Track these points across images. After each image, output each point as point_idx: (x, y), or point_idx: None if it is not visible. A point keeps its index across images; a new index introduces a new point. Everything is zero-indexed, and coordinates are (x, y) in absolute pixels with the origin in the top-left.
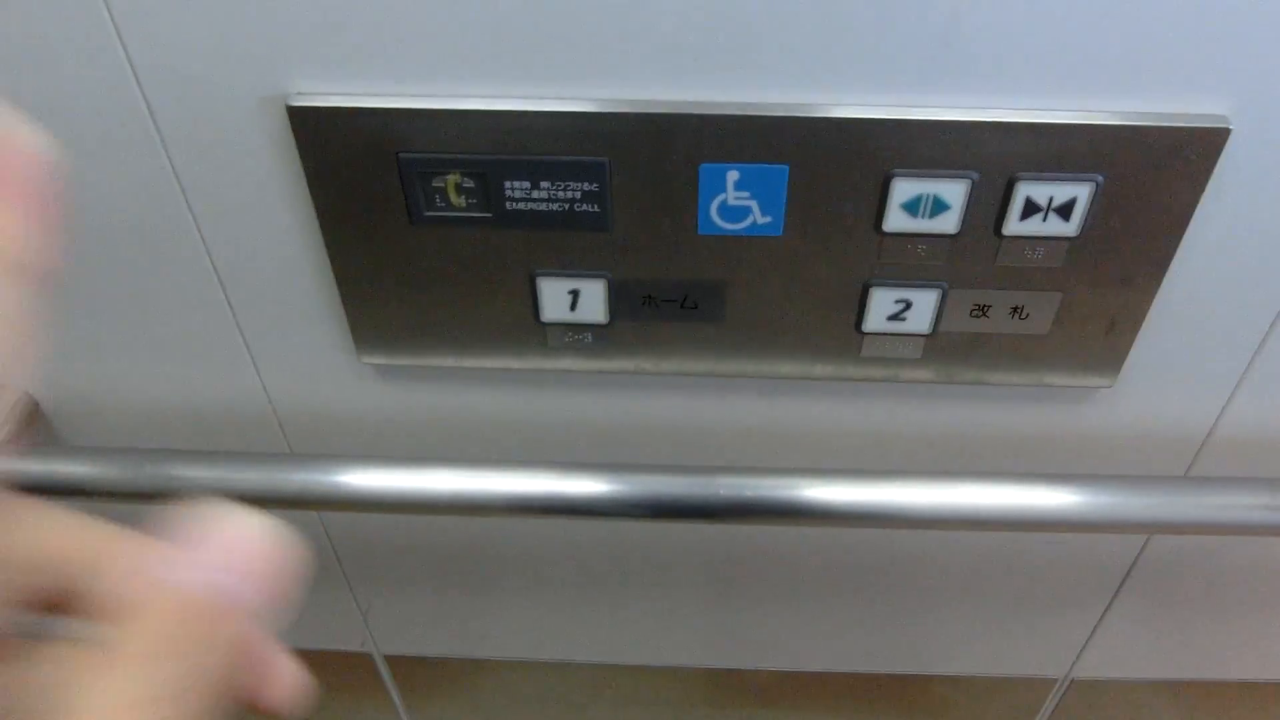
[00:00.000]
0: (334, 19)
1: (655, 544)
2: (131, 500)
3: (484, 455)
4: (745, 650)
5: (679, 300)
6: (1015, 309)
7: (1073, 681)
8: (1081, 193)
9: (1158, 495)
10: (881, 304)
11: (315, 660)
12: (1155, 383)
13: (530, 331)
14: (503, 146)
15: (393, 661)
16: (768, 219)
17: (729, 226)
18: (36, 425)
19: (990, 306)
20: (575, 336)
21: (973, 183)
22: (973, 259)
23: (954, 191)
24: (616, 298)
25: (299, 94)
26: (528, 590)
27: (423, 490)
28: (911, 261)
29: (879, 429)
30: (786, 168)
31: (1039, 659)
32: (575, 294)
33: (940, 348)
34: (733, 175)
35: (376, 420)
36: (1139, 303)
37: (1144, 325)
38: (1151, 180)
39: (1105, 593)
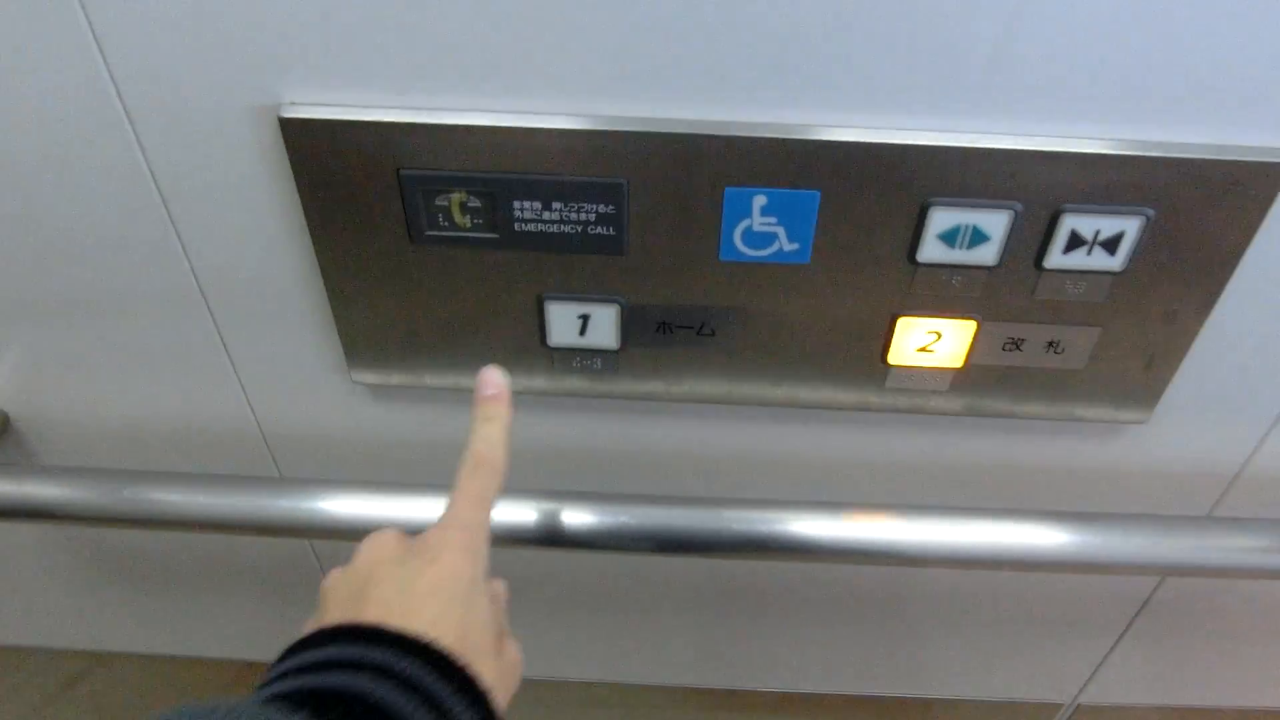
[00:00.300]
0: (331, 24)
1: (649, 562)
2: (106, 525)
3: None
4: (742, 670)
5: (695, 327)
6: (1051, 343)
7: (1079, 707)
8: (1130, 226)
9: (1174, 538)
10: (911, 336)
11: None
12: (1191, 419)
13: (536, 355)
14: (512, 164)
15: None
16: (794, 246)
17: (753, 253)
18: (4, 442)
19: (1025, 340)
20: (584, 361)
21: (1015, 213)
22: (1010, 292)
23: (995, 222)
24: (629, 323)
25: (292, 104)
26: (517, 607)
27: (414, 521)
28: (945, 293)
29: (902, 460)
30: (818, 194)
31: (1046, 684)
32: (585, 319)
33: (970, 380)
34: (759, 200)
35: (369, 442)
36: (1181, 339)
37: (1184, 362)
38: (1205, 215)
39: (1120, 621)
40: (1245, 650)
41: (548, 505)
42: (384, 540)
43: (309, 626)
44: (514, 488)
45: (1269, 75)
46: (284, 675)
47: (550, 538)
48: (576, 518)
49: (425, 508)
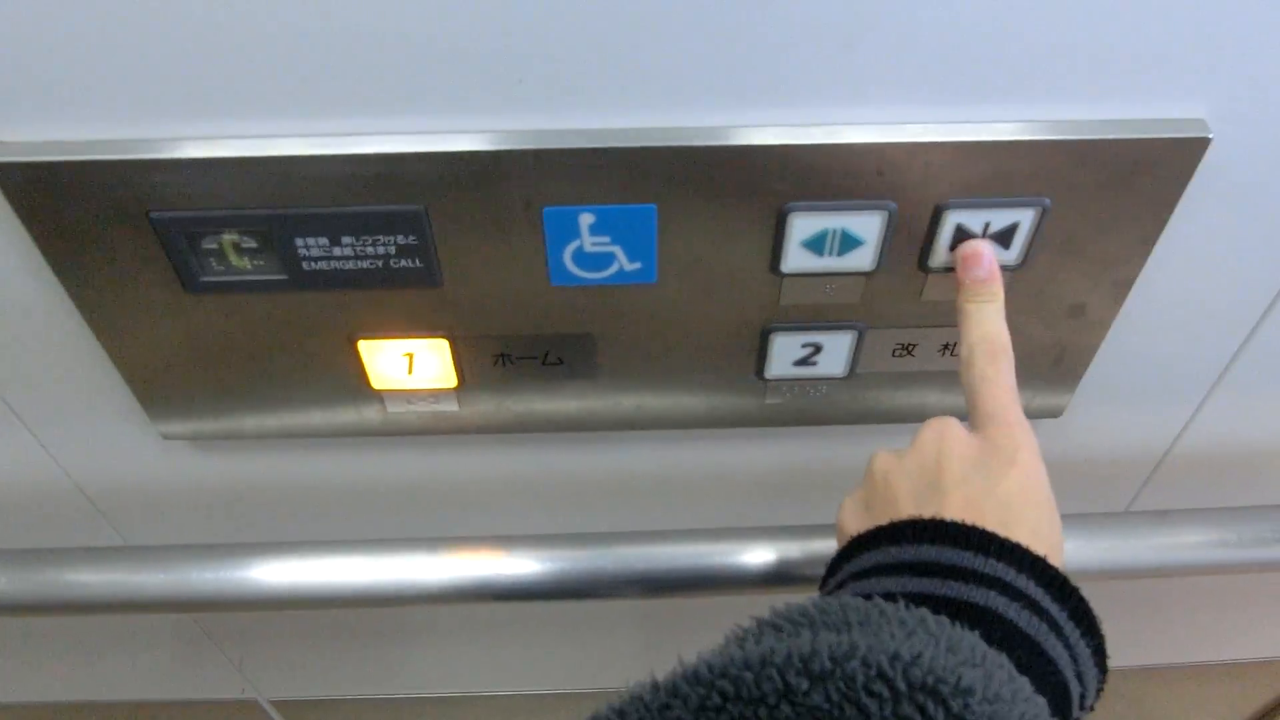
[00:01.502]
0: (42, 44)
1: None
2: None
3: (331, 527)
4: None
5: (539, 357)
6: (946, 345)
7: None
8: (1024, 218)
9: (1103, 539)
10: (785, 350)
11: (201, 711)
12: (1108, 412)
13: (363, 398)
14: (288, 198)
15: (283, 706)
16: (636, 265)
17: (590, 276)
18: None
19: (916, 345)
20: (420, 400)
21: (889, 213)
22: (894, 296)
23: (867, 225)
24: (464, 359)
25: (3, 145)
26: (428, 626)
27: (299, 584)
28: (820, 302)
29: (794, 473)
30: (654, 208)
31: None
32: (411, 357)
33: (860, 388)
34: (586, 219)
35: (203, 494)
36: (1093, 332)
37: (1098, 354)
38: (1112, 200)
39: None
40: (1173, 612)
41: (475, 556)
42: (952, 431)
43: (855, 513)
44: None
45: (1181, 43)
46: (879, 570)
47: (484, 591)
48: (514, 566)
49: (266, 571)
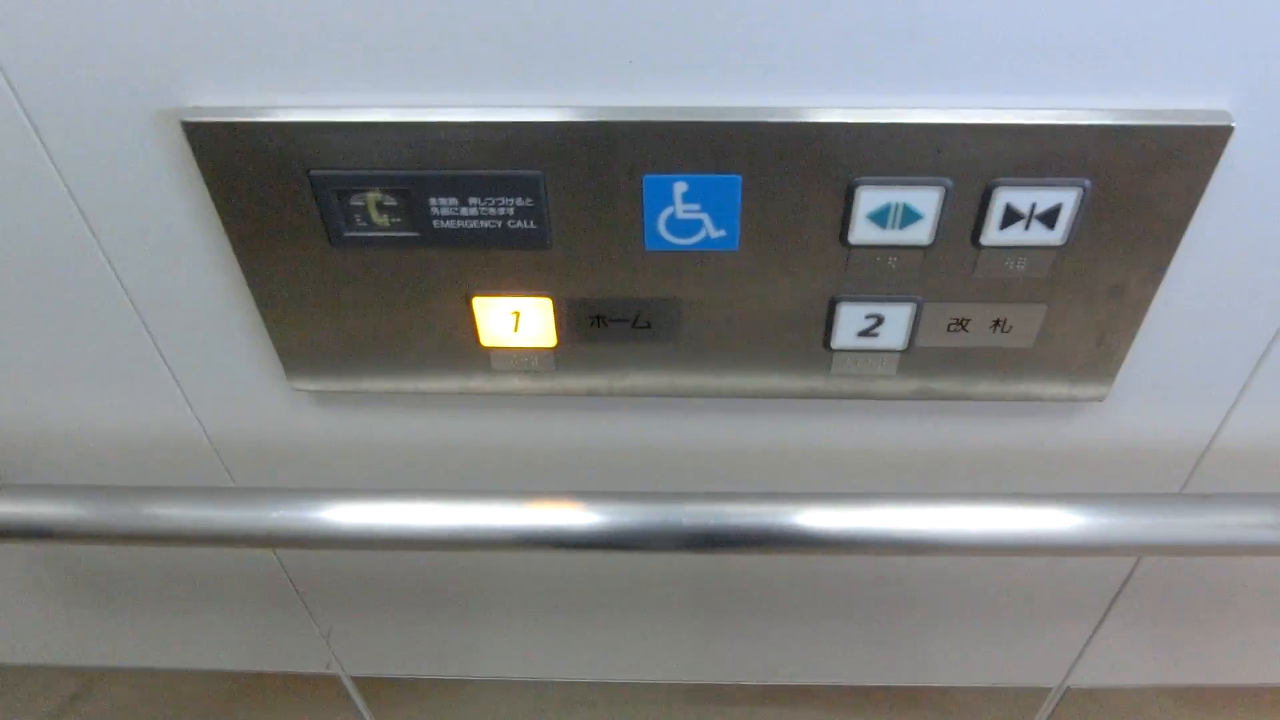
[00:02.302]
0: (229, 23)
1: (632, 560)
2: (103, 542)
3: (434, 482)
4: (727, 664)
5: (630, 320)
6: (997, 322)
7: (1068, 690)
8: (1067, 199)
9: (1153, 515)
10: (850, 320)
11: (282, 683)
12: (1151, 395)
13: (472, 355)
14: (426, 161)
15: (362, 683)
16: (721, 232)
17: (680, 241)
18: None
19: (970, 320)
20: (521, 360)
21: (946, 190)
22: (949, 271)
23: (925, 200)
24: (564, 319)
25: (195, 108)
26: (500, 609)
27: (376, 525)
28: (882, 275)
29: (854, 447)
30: (739, 178)
31: (1034, 668)
32: (518, 316)
33: (917, 363)
34: (680, 187)
35: (319, 447)
36: (1132, 313)
37: (1138, 336)
38: (1145, 184)
39: (1101, 603)
40: (1239, 627)
41: (548, 507)
42: None
43: None
44: (473, 491)
45: (1208, 36)
46: None
47: (558, 539)
48: (585, 518)
49: (385, 514)
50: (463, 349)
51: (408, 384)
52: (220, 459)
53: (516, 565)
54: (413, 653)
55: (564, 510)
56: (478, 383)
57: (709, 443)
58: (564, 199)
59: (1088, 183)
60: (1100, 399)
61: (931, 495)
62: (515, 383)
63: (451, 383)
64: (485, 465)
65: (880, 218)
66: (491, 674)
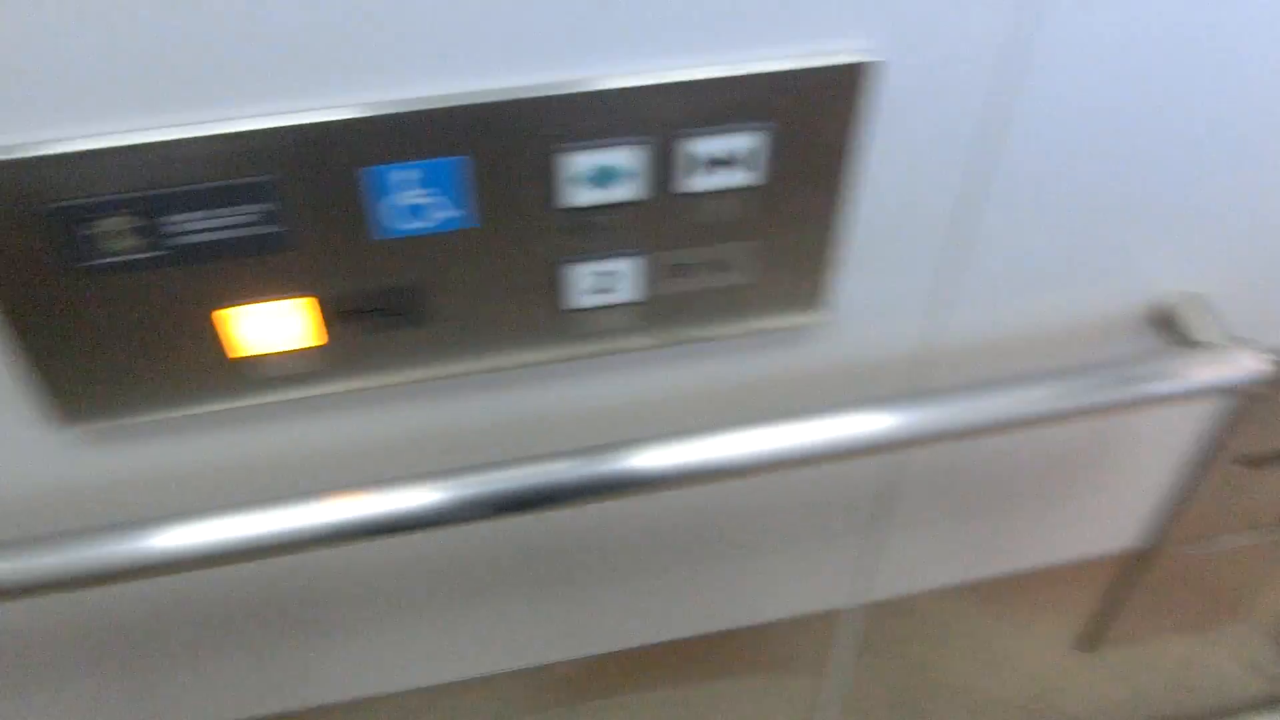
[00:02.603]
0: None
1: (441, 560)
2: None
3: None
4: (556, 644)
5: (381, 309)
6: (715, 263)
7: (870, 605)
8: (753, 143)
9: (955, 405)
10: (580, 280)
11: None
12: (863, 313)
13: (228, 367)
14: (158, 181)
15: None
16: (459, 213)
17: (415, 226)
18: None
19: (690, 265)
20: (288, 364)
21: (643, 146)
22: (663, 221)
23: (625, 158)
24: (331, 318)
25: None
26: (317, 632)
27: (165, 550)
28: (602, 234)
29: (610, 403)
30: (465, 159)
31: (820, 593)
32: (276, 320)
33: (654, 312)
34: (402, 175)
35: (91, 489)
36: (831, 239)
37: (840, 260)
38: (819, 121)
39: (867, 513)
40: (1021, 512)
41: (386, 493)
42: None
43: None
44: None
45: None
46: None
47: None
48: (412, 499)
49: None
50: (217, 363)
51: (173, 410)
52: None
53: (327, 582)
54: (248, 692)
55: (354, 501)
56: (246, 397)
57: (474, 423)
58: (300, 201)
59: (772, 124)
60: (821, 325)
61: (708, 427)
62: (289, 389)
63: (217, 402)
64: (280, 476)
65: (588, 179)
66: (313, 701)
